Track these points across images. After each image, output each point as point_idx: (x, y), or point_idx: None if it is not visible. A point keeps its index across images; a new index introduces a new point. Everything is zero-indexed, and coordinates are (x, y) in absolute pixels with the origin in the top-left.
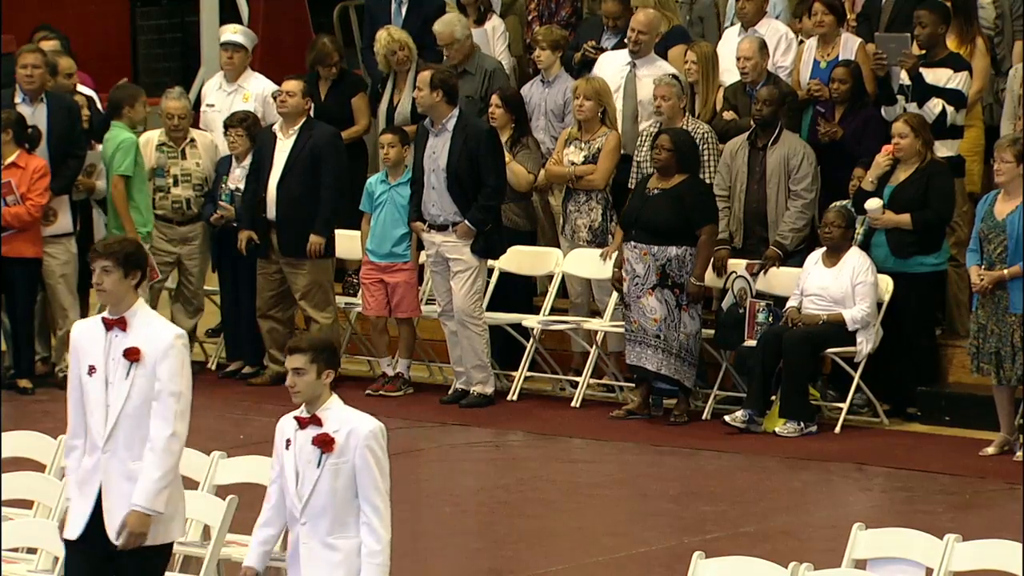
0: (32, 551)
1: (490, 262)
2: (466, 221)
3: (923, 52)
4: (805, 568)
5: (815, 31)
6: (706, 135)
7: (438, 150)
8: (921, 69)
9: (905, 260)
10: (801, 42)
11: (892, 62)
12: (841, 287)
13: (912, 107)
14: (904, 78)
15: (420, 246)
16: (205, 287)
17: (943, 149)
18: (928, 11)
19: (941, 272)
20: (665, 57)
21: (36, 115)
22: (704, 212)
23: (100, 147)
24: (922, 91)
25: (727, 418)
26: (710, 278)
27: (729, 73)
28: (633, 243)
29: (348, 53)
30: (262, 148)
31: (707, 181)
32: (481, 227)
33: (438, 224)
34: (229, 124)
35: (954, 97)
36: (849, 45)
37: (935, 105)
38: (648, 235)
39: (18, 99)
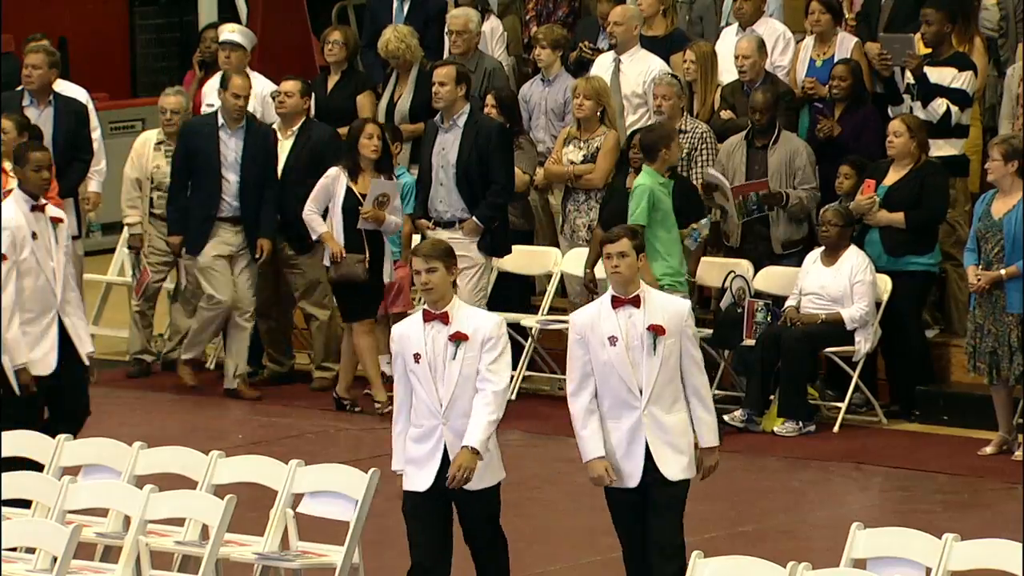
0: (31, 551)
1: (494, 260)
2: (474, 217)
3: (929, 51)
4: (804, 568)
5: (812, 29)
6: (705, 134)
7: (448, 146)
8: (926, 68)
9: (897, 259)
10: (798, 41)
11: (897, 62)
12: (839, 286)
13: (917, 106)
14: (909, 77)
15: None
16: None
17: (947, 148)
18: (934, 9)
19: (933, 272)
20: (666, 60)
21: (43, 117)
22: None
23: (396, 179)
24: (926, 90)
25: (726, 417)
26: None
27: (727, 73)
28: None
29: None
30: None
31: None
32: (489, 224)
33: (445, 220)
34: None
35: (959, 97)
36: (845, 44)
37: (939, 105)
38: None
39: (26, 101)
